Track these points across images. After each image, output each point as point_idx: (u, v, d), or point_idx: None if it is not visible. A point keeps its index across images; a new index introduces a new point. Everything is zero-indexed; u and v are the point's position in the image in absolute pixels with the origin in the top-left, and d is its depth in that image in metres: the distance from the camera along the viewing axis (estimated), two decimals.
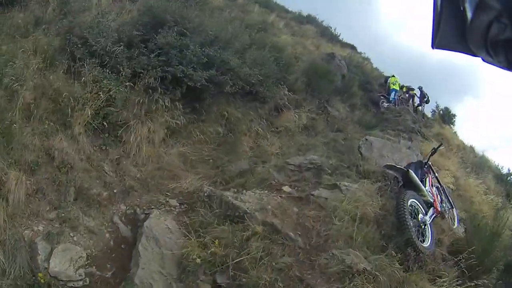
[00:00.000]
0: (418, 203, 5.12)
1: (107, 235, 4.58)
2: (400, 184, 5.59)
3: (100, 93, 5.44)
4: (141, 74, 6.10)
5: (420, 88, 17.15)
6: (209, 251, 4.02)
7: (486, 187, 10.16)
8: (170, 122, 6.14)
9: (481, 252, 4.76)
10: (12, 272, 3.73)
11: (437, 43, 0.76)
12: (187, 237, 4.29)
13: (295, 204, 4.98)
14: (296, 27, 18.18)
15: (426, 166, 5.94)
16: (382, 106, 14.92)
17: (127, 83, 5.86)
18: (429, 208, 5.25)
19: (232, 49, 7.53)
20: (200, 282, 3.92)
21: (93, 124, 5.42)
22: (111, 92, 5.53)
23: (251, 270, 3.79)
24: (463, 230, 6.08)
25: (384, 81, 17.15)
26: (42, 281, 3.78)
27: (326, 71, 11.37)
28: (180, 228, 4.53)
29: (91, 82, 5.53)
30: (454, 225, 5.97)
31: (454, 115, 19.14)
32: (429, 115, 18.12)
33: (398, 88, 15.61)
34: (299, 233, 4.44)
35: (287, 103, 9.27)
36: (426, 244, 4.79)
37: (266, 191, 5.21)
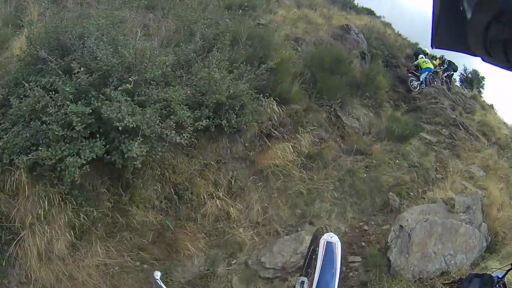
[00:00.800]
0: None
1: None
2: None
3: None
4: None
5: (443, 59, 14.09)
6: None
7: None
8: (76, 220, 3.83)
9: None
10: None
11: (437, 43, 0.77)
12: None
13: None
14: None
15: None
16: (411, 86, 12.03)
17: None
18: None
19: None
20: None
21: None
22: None
23: None
24: None
25: (414, 54, 14.04)
26: None
27: (338, 59, 8.53)
28: None
29: None
30: None
31: (483, 78, 17.46)
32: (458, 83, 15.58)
33: (432, 67, 12.54)
34: None
35: (277, 125, 6.69)
36: None
37: None
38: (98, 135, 4.15)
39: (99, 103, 4.09)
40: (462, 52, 0.75)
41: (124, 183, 4.48)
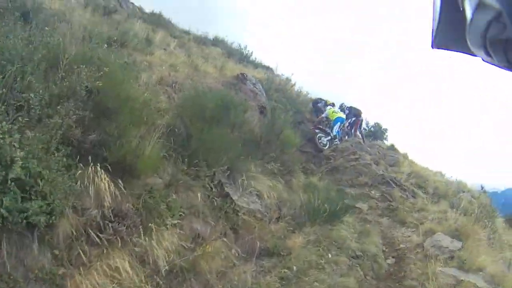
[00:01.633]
0: None
1: None
2: None
3: None
4: None
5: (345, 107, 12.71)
6: None
7: None
8: None
9: None
10: None
11: (436, 43, 0.75)
12: None
13: None
14: (196, 48, 13.21)
15: None
16: (320, 144, 9.91)
17: None
18: None
19: None
20: None
21: None
22: None
23: None
24: None
25: (313, 105, 12.44)
26: None
27: (226, 106, 5.81)
28: None
29: None
30: None
31: (386, 130, 17.07)
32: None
33: (344, 116, 10.91)
34: None
35: (111, 216, 3.54)
36: None
37: None
38: None
39: None
40: (461, 52, 0.71)
41: None
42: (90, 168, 3.67)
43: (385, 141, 16.67)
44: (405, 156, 10.78)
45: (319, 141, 10.05)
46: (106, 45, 6.56)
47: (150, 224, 3.71)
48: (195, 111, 5.58)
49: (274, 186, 5.20)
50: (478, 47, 0.63)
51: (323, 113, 11.28)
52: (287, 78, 15.67)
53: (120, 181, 3.81)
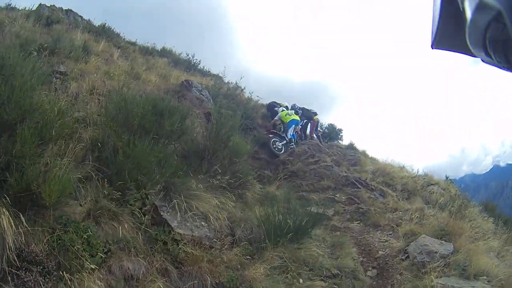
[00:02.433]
0: None
1: None
2: None
3: None
4: None
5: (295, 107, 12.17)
6: None
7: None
8: None
9: None
10: None
11: (436, 43, 0.73)
12: None
13: None
14: (141, 58, 12.25)
15: None
16: (275, 149, 9.15)
17: None
18: None
19: None
20: None
21: None
22: None
23: None
24: None
25: (268, 110, 11.71)
26: None
27: (160, 112, 4.77)
28: None
29: None
30: None
31: (341, 130, 16.61)
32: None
33: (298, 119, 10.22)
34: None
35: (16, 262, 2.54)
36: None
37: None
38: None
39: None
40: (461, 53, 0.69)
41: None
42: None
43: (340, 141, 16.54)
44: (364, 153, 10.33)
45: (274, 146, 9.29)
46: (35, 53, 6.08)
47: (70, 268, 2.62)
48: (122, 121, 4.48)
49: (223, 204, 4.19)
50: (478, 47, 0.61)
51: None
52: (236, 84, 14.94)
53: (25, 215, 2.72)
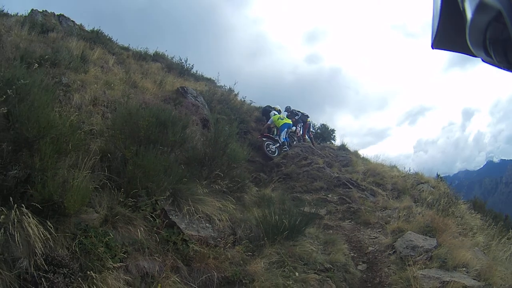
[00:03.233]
0: None
1: None
2: None
3: None
4: None
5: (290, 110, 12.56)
6: None
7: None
8: None
9: None
10: None
11: (436, 43, 0.74)
12: None
13: None
14: (135, 64, 12.62)
15: None
16: (268, 152, 9.57)
17: None
18: None
19: None
20: None
21: None
22: None
23: None
24: None
25: (262, 114, 12.17)
26: None
27: (163, 123, 5.13)
28: None
29: None
30: None
31: (333, 130, 17.30)
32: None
33: (290, 122, 10.63)
34: None
35: (43, 265, 2.87)
36: None
37: None
38: None
39: None
40: (461, 53, 0.71)
41: None
42: (13, 211, 2.86)
43: (332, 142, 16.89)
44: (356, 154, 10.78)
45: (268, 149, 9.70)
46: (37, 65, 5.99)
47: (90, 268, 2.97)
48: (129, 132, 4.83)
49: (224, 206, 4.59)
50: (478, 47, 0.62)
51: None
52: (229, 89, 15.29)
53: (49, 222, 3.05)
